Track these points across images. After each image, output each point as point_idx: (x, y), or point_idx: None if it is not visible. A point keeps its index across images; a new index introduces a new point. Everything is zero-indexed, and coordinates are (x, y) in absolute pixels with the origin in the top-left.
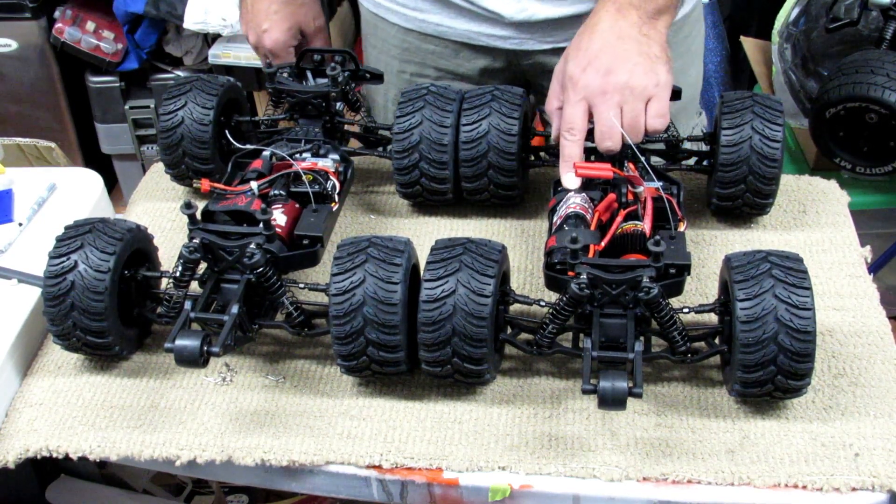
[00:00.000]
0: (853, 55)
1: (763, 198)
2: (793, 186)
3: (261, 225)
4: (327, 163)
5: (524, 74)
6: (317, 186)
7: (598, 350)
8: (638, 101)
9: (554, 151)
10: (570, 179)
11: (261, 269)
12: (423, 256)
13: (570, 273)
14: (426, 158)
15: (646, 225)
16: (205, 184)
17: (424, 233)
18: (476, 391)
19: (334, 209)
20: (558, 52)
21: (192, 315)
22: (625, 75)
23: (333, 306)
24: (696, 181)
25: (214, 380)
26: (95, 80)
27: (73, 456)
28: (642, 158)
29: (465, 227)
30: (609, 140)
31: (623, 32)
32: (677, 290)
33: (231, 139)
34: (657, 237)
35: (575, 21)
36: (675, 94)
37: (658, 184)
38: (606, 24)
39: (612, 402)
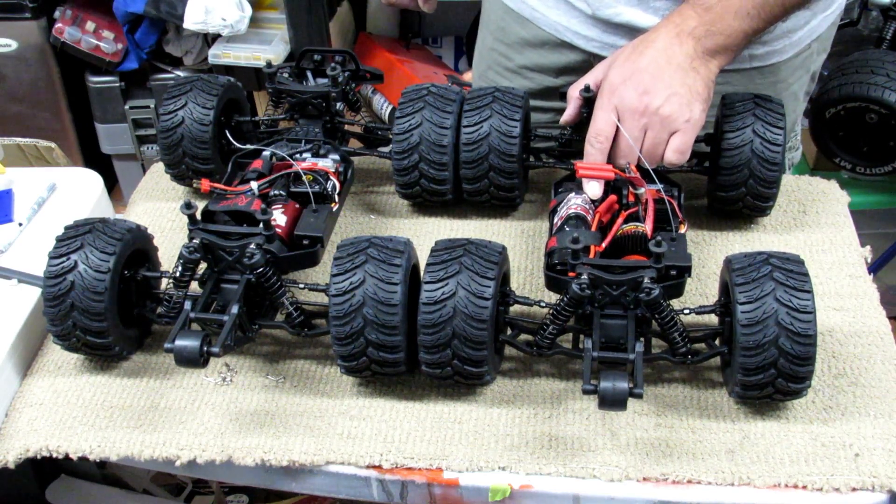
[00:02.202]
0: (853, 55)
1: (764, 200)
2: (793, 187)
3: (261, 225)
4: (327, 163)
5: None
6: (317, 186)
7: (598, 351)
8: (664, 130)
9: (555, 153)
10: (593, 188)
11: (261, 270)
12: (423, 257)
13: (571, 274)
14: (426, 160)
15: (647, 226)
16: (205, 184)
17: (424, 233)
18: (476, 392)
19: (334, 209)
20: None
21: (192, 315)
22: (660, 101)
23: (333, 307)
24: (696, 182)
25: (214, 380)
26: (95, 80)
27: (73, 456)
28: (646, 163)
29: (465, 228)
30: (623, 159)
31: (674, 58)
32: (678, 291)
33: (231, 139)
34: (658, 238)
35: None
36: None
37: (659, 185)
38: (661, 45)
39: (612, 402)
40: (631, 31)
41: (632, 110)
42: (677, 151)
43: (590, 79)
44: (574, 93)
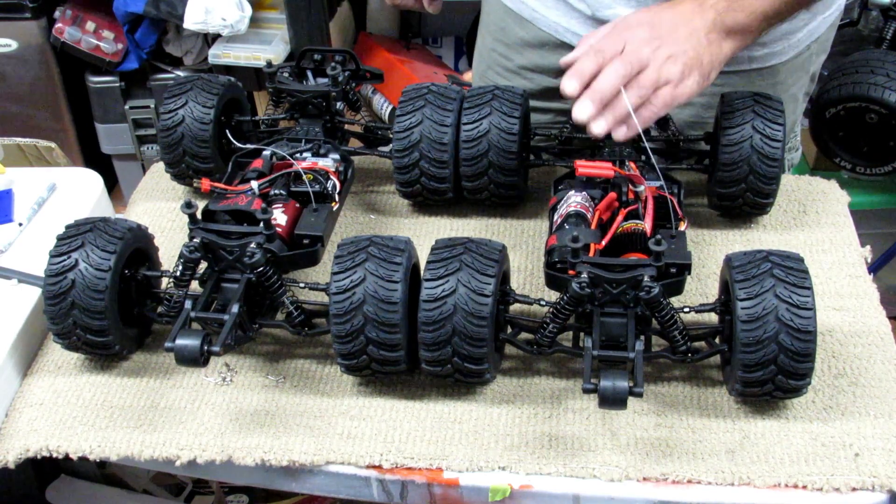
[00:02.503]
0: (853, 55)
1: (763, 197)
2: (793, 186)
3: (261, 224)
4: (328, 162)
5: None
6: (317, 186)
7: (598, 349)
8: (653, 81)
9: (555, 150)
10: (569, 84)
11: (261, 269)
12: (423, 256)
13: (571, 272)
14: (426, 157)
15: (646, 224)
16: (205, 183)
17: (424, 232)
18: (476, 391)
19: (334, 209)
20: None
21: (193, 314)
22: (665, 54)
23: (334, 305)
24: (696, 180)
25: (214, 380)
26: (95, 80)
27: (73, 456)
28: (646, 144)
29: (465, 227)
30: (604, 82)
31: (692, 23)
32: (678, 289)
33: (231, 139)
34: (658, 236)
35: None
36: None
37: (659, 182)
38: (684, 9)
39: (612, 401)
40: None
41: (638, 42)
42: (654, 105)
43: (603, 29)
44: (584, 40)
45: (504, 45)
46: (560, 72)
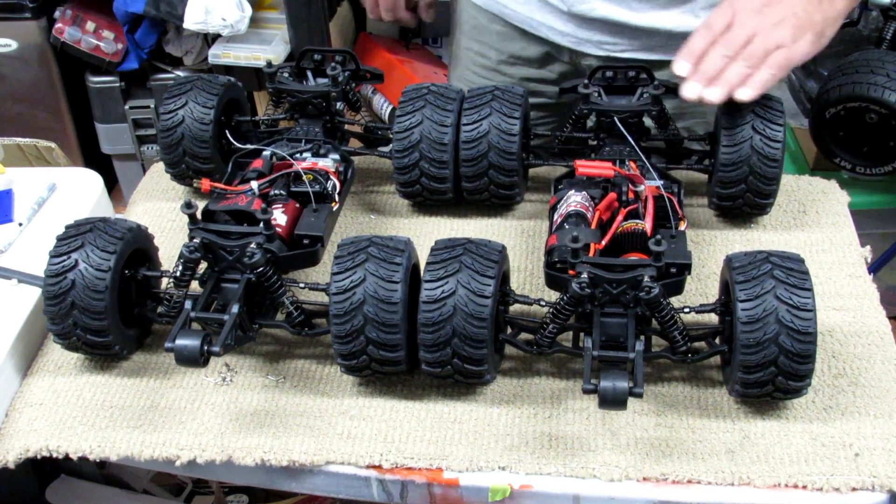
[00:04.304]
0: (853, 55)
1: (764, 198)
2: (793, 186)
3: (261, 224)
4: (328, 162)
5: (583, 71)
6: (317, 186)
7: (598, 349)
8: (763, 49)
9: (555, 151)
10: (681, 67)
11: (261, 269)
12: (423, 256)
13: (571, 272)
14: (426, 158)
15: (646, 224)
16: (205, 183)
17: (424, 233)
18: (476, 391)
19: (334, 209)
20: (613, 61)
21: (193, 315)
22: (774, 19)
23: (334, 305)
24: (696, 180)
25: (214, 380)
26: (95, 80)
27: (73, 456)
28: (640, 152)
29: (465, 227)
30: (722, 47)
31: None
32: (678, 289)
33: (231, 139)
34: (658, 236)
35: (632, 31)
36: (677, 92)
37: (659, 182)
38: None
39: (612, 401)
40: (606, 25)
41: (747, 11)
42: (773, 67)
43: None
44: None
45: (480, 43)
46: (540, 61)
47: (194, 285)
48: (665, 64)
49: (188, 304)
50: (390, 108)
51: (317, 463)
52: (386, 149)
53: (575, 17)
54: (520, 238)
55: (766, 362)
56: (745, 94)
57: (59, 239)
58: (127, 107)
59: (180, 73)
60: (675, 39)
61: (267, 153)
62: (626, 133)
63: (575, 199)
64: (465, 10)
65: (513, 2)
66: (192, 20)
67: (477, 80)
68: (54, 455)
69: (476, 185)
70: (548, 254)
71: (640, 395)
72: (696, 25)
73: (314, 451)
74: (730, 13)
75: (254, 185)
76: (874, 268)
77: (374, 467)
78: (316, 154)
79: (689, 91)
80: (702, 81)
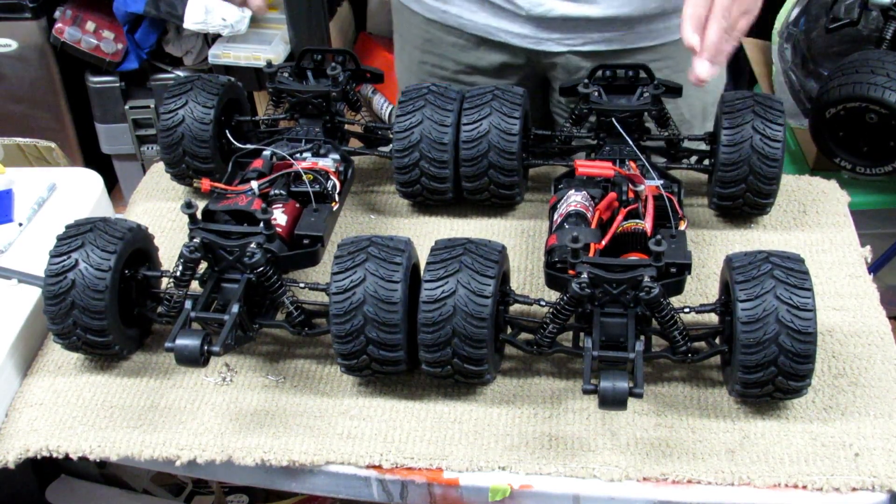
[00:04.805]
0: (853, 55)
1: (764, 197)
2: (793, 186)
3: (261, 224)
4: (328, 162)
5: (544, 71)
6: (317, 186)
7: (598, 349)
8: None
9: (554, 150)
10: (692, 37)
11: (261, 269)
12: (423, 256)
13: (571, 272)
14: (426, 157)
15: (647, 223)
16: (205, 183)
17: (424, 233)
18: (476, 391)
19: (335, 209)
20: (575, 54)
21: (193, 314)
22: None
23: (334, 305)
24: (696, 180)
25: (214, 380)
26: (95, 80)
27: (73, 456)
28: (640, 152)
29: (465, 227)
30: (719, 13)
31: None
32: (678, 289)
33: (231, 139)
34: (658, 236)
35: (592, 24)
36: (677, 91)
37: (659, 182)
38: None
39: (612, 402)
40: (566, 22)
41: None
42: (741, 31)
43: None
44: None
45: (436, 56)
46: (499, 70)
47: (194, 285)
48: (626, 53)
49: (188, 304)
50: (390, 107)
51: (317, 463)
52: (386, 149)
53: (533, 18)
54: (520, 238)
55: (766, 362)
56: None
57: (60, 239)
58: (127, 107)
59: (180, 73)
60: (633, 26)
61: (267, 153)
62: (624, 133)
63: (575, 199)
64: (414, 26)
65: (468, 12)
66: (192, 20)
67: None
68: (54, 455)
69: (476, 185)
70: (548, 254)
71: (640, 396)
72: (652, 8)
73: (314, 451)
74: None
75: (254, 184)
76: (874, 268)
77: (374, 467)
78: (316, 154)
79: (703, 72)
80: (710, 58)
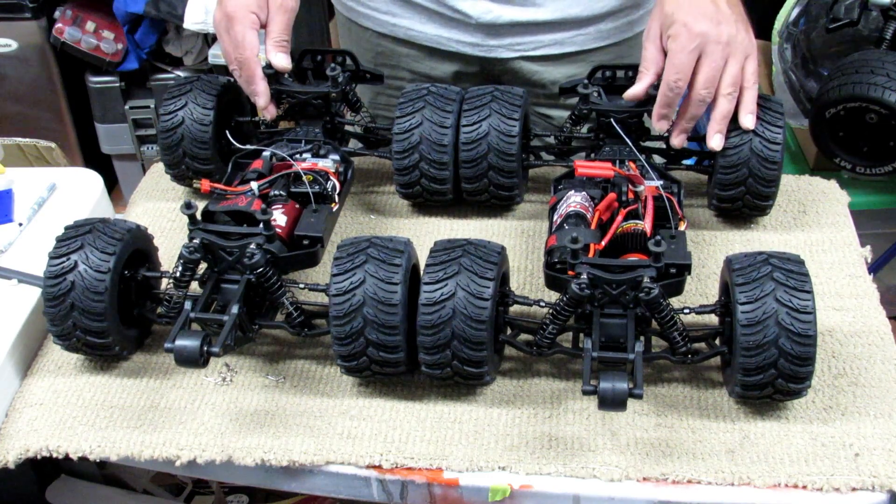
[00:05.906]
0: (853, 55)
1: (763, 199)
2: (793, 186)
3: (261, 225)
4: (327, 163)
5: (497, 79)
6: (317, 187)
7: (598, 350)
8: (741, 55)
9: (555, 151)
10: (661, 125)
11: (261, 270)
12: (423, 257)
13: (571, 273)
14: (426, 159)
15: (646, 224)
16: (205, 184)
17: (424, 233)
18: (476, 392)
19: (334, 209)
20: (527, 59)
21: (192, 315)
22: (732, 29)
23: (333, 307)
24: (696, 180)
25: (214, 380)
26: (95, 80)
27: (73, 456)
28: (639, 153)
29: (464, 228)
30: (706, 89)
31: None
32: (677, 289)
33: (231, 139)
34: (658, 237)
35: (541, 28)
36: None
37: (658, 182)
38: None
39: (612, 403)
40: (515, 28)
41: (714, 41)
42: (756, 74)
43: (653, 51)
44: (649, 70)
45: (390, 67)
46: (455, 77)
47: (194, 286)
48: (580, 55)
49: (188, 305)
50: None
51: (317, 463)
52: (386, 149)
53: (483, 26)
54: (519, 238)
55: (765, 365)
56: (749, 122)
57: (58, 240)
58: (127, 107)
59: (180, 73)
60: (583, 27)
61: (267, 154)
62: (623, 134)
63: (575, 200)
64: (365, 40)
65: (418, 24)
66: (192, 20)
67: (393, 101)
68: (54, 455)
69: (476, 186)
70: (547, 254)
71: (639, 397)
72: (600, 8)
73: (314, 451)
74: (696, 53)
75: (254, 185)
76: (874, 268)
77: (374, 467)
78: (316, 155)
79: (678, 143)
80: (687, 132)
